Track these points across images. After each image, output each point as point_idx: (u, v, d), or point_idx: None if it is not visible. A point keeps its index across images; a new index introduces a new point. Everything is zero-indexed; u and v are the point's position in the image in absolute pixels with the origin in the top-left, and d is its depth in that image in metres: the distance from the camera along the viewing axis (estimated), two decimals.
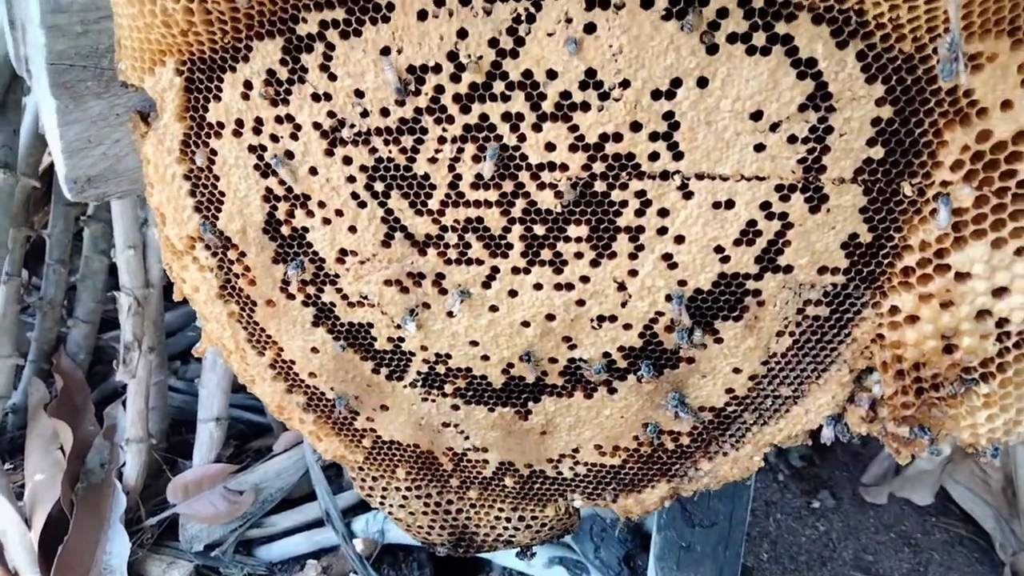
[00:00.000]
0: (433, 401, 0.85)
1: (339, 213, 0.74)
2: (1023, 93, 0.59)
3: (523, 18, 0.62)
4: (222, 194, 0.75)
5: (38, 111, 1.33)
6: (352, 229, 0.74)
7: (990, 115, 0.61)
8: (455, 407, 0.85)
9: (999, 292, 0.67)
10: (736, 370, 0.77)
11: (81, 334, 1.74)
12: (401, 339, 0.81)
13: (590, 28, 0.61)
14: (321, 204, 0.74)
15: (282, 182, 0.73)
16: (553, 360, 0.80)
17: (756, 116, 0.63)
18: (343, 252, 0.76)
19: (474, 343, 0.79)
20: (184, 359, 1.90)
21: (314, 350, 0.84)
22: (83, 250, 1.67)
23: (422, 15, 0.62)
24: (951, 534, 1.78)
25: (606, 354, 0.78)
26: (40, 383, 1.67)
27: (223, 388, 1.46)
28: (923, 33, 0.58)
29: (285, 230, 0.76)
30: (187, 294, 0.84)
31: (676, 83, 0.62)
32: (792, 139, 0.64)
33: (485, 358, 0.80)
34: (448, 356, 0.81)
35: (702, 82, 0.62)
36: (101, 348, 1.81)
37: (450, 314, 0.78)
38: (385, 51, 0.65)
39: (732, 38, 0.60)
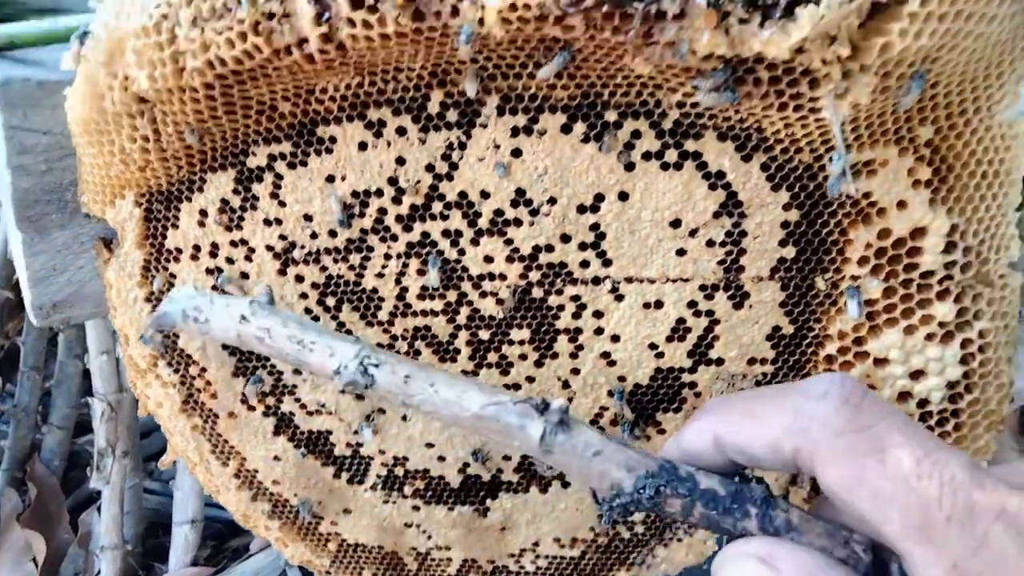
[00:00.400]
0: (394, 503, 0.87)
1: None
2: (914, 194, 0.65)
3: (455, 145, 0.67)
4: None
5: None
6: None
7: (888, 214, 0.66)
8: (416, 508, 0.87)
9: (916, 375, 0.71)
10: None
11: (56, 440, 1.75)
12: (359, 444, 0.83)
13: (516, 153, 0.66)
14: None
15: None
16: (507, 458, 0.82)
17: (675, 224, 0.68)
18: None
19: (429, 445, 0.82)
20: (159, 459, 1.90)
21: (276, 458, 0.86)
22: (57, 355, 1.69)
23: (362, 146, 0.68)
24: None
25: None
26: (13, 493, 1.66)
27: (197, 491, 1.46)
28: (819, 145, 0.64)
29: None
30: (151, 410, 0.86)
31: (599, 198, 0.68)
32: (710, 243, 0.69)
33: (441, 459, 0.83)
34: (405, 459, 0.83)
35: (623, 196, 0.67)
36: (76, 453, 1.81)
37: (404, 418, 0.80)
38: (330, 179, 0.69)
39: (647, 156, 0.65)
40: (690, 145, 0.65)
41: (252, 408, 0.83)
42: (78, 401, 1.73)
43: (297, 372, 0.80)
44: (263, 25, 0.58)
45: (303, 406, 0.82)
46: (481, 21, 0.56)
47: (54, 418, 1.74)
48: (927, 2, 0.53)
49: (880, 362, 0.71)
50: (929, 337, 0.69)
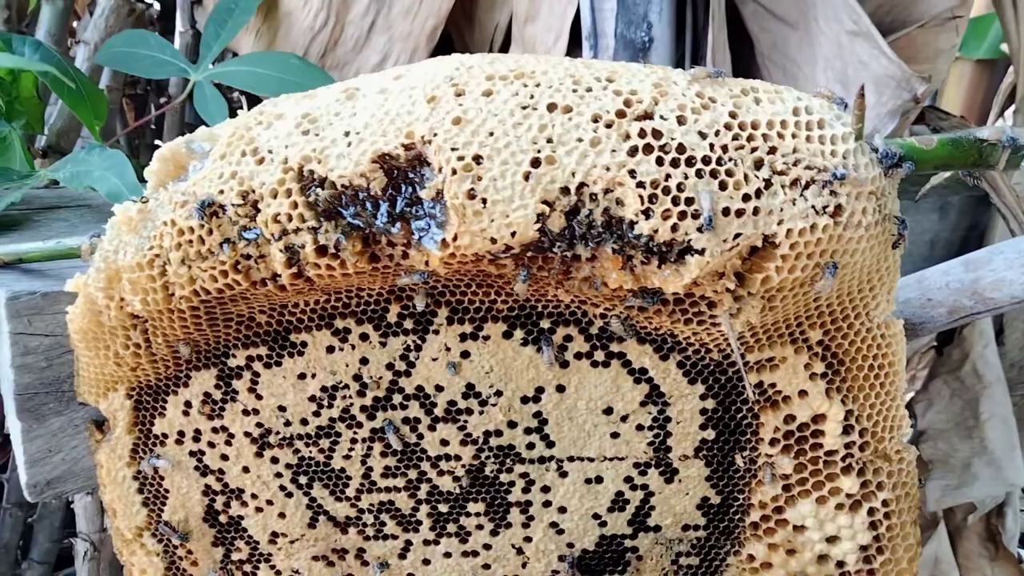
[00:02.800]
0: None
1: (269, 503, 0.84)
2: (812, 385, 0.74)
3: (412, 348, 0.76)
4: (167, 491, 0.86)
5: None
6: (282, 515, 0.85)
7: (792, 402, 0.75)
8: None
9: (832, 540, 0.79)
10: None
11: (36, 575, 1.77)
12: None
13: (465, 354, 0.76)
14: (254, 496, 0.84)
15: (219, 478, 0.84)
16: None
17: (608, 411, 0.77)
18: (275, 534, 0.86)
19: None
20: None
21: None
22: None
23: (330, 349, 0.77)
24: None
25: None
26: None
27: None
28: (725, 347, 0.73)
29: (223, 518, 0.86)
30: None
31: (540, 390, 0.77)
32: (640, 427, 0.78)
33: None
34: None
35: (560, 388, 0.76)
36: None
37: None
38: (302, 376, 0.78)
39: (578, 355, 0.75)
40: (614, 347, 0.74)
41: (231, 574, 0.89)
42: (60, 536, 1.77)
43: (272, 542, 0.87)
44: (242, 264, 0.69)
45: (278, 572, 0.88)
46: (427, 262, 0.66)
47: (35, 553, 1.77)
48: (795, 246, 0.63)
49: (798, 528, 0.79)
50: (839, 507, 0.77)
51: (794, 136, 0.65)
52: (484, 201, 0.62)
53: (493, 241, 0.63)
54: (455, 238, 0.63)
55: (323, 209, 0.65)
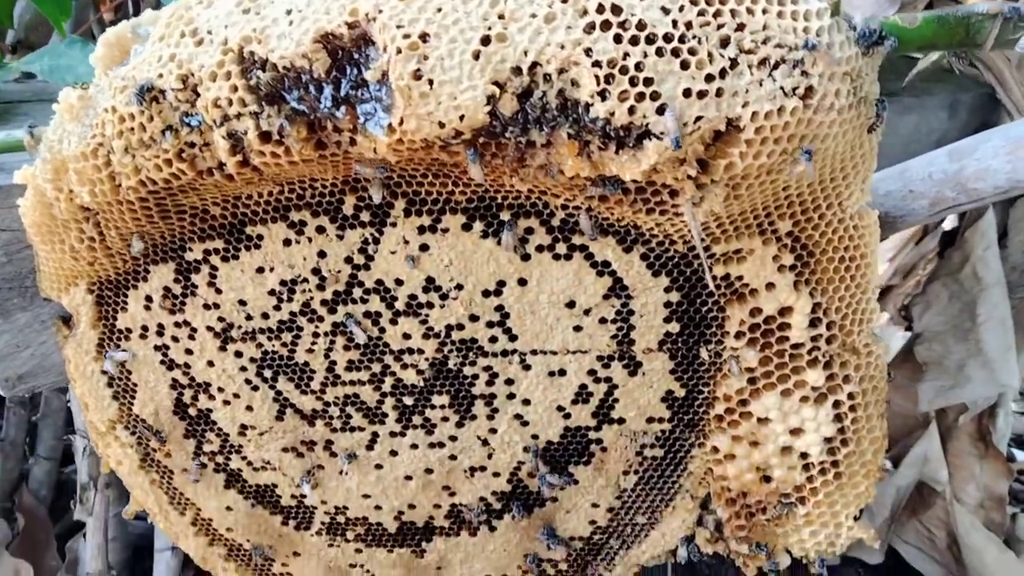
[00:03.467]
0: (338, 546, 0.95)
1: (236, 396, 0.85)
2: (780, 277, 0.72)
3: (370, 240, 0.74)
4: (135, 385, 0.86)
5: None
6: (249, 408, 0.85)
7: (759, 295, 0.73)
8: (358, 550, 0.95)
9: (796, 432, 0.79)
10: (594, 505, 0.88)
11: (43, 471, 1.82)
12: (303, 495, 0.91)
13: (424, 247, 0.74)
14: (220, 389, 0.85)
15: (185, 372, 0.84)
16: (437, 506, 0.90)
17: (571, 305, 0.76)
18: (244, 427, 0.87)
19: (366, 496, 0.90)
20: None
21: (228, 508, 0.94)
22: (42, 391, 1.76)
23: (287, 242, 0.75)
24: None
25: (482, 498, 0.89)
26: (2, 523, 1.73)
27: None
28: (691, 237, 0.71)
29: (192, 411, 0.87)
30: (112, 467, 0.94)
31: (501, 284, 0.75)
32: (603, 320, 0.76)
33: (378, 508, 0.91)
34: (346, 508, 0.91)
35: (522, 282, 0.75)
36: (63, 482, 1.88)
37: (342, 472, 0.88)
38: (260, 270, 0.77)
39: (540, 248, 0.73)
40: (577, 239, 0.72)
41: (204, 465, 0.91)
42: (63, 433, 1.81)
43: (242, 434, 0.88)
44: (186, 153, 0.66)
45: (249, 463, 0.90)
46: (375, 150, 0.63)
47: (41, 450, 1.82)
48: (761, 130, 0.60)
49: (763, 421, 0.79)
50: (804, 399, 0.77)
51: (764, 12, 0.60)
52: (431, 82, 0.59)
53: (441, 125, 0.60)
54: (401, 122, 0.60)
55: (265, 93, 0.62)
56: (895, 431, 1.80)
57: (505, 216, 0.71)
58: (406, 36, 0.59)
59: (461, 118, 0.59)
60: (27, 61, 1.13)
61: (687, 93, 0.59)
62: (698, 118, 0.59)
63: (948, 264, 1.58)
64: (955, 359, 1.64)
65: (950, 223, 1.62)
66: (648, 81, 0.58)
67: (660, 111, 0.59)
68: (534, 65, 0.59)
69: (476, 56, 0.58)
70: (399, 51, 0.59)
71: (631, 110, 0.59)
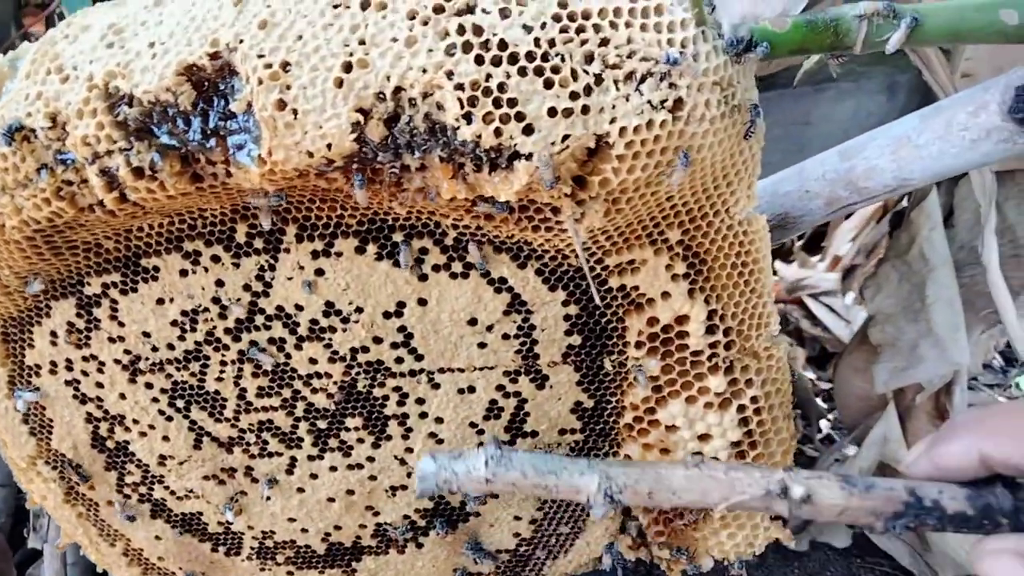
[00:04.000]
0: (270, 570, 0.95)
1: (151, 427, 0.84)
2: (674, 286, 0.73)
3: (266, 267, 0.74)
4: (51, 420, 0.86)
5: None
6: (166, 438, 0.85)
7: (655, 304, 0.74)
8: (290, 573, 0.95)
9: (704, 437, 0.79)
10: (517, 517, 0.88)
11: (1, 497, 1.81)
12: (230, 521, 0.91)
13: (319, 272, 0.73)
14: (135, 421, 0.84)
15: (99, 406, 0.84)
16: (363, 526, 0.90)
17: (472, 322, 0.76)
18: (163, 457, 0.87)
19: (292, 519, 0.90)
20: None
21: (157, 537, 0.93)
22: None
23: (183, 272, 0.75)
24: (877, 573, 1.87)
25: (406, 516, 0.89)
26: None
27: None
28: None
29: (110, 444, 0.87)
30: (38, 502, 0.93)
31: (401, 304, 0.75)
32: (506, 336, 0.76)
33: (304, 531, 0.91)
34: (273, 532, 0.91)
35: (422, 302, 0.75)
36: (22, 509, 1.87)
37: (266, 497, 0.88)
38: (159, 301, 0.77)
39: (436, 268, 0.73)
40: (472, 257, 0.72)
41: (128, 496, 0.90)
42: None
43: (161, 464, 0.87)
44: (64, 191, 0.66)
45: (173, 492, 0.90)
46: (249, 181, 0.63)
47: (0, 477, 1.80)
48: (631, 145, 0.60)
49: (670, 428, 0.79)
50: (708, 405, 0.77)
51: (628, 25, 0.60)
52: (295, 112, 0.59)
53: (310, 155, 0.60)
54: (270, 153, 0.60)
55: (133, 128, 0.62)
56: (857, 413, 1.82)
57: (398, 237, 0.71)
58: (268, 66, 0.59)
59: (328, 147, 0.59)
60: None
61: (552, 112, 0.59)
62: (565, 137, 0.59)
63: (897, 245, 1.59)
64: (907, 340, 1.65)
65: (903, 203, 1.62)
66: (512, 102, 0.58)
67: (527, 132, 0.59)
68: (398, 90, 0.59)
69: (339, 83, 0.58)
70: (260, 81, 0.58)
71: (497, 132, 0.59)
